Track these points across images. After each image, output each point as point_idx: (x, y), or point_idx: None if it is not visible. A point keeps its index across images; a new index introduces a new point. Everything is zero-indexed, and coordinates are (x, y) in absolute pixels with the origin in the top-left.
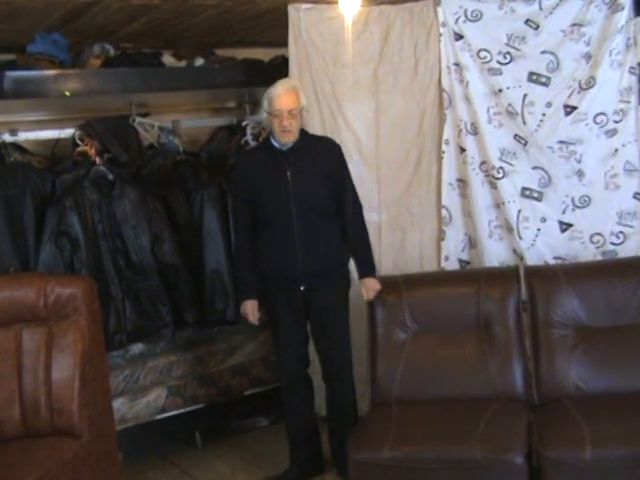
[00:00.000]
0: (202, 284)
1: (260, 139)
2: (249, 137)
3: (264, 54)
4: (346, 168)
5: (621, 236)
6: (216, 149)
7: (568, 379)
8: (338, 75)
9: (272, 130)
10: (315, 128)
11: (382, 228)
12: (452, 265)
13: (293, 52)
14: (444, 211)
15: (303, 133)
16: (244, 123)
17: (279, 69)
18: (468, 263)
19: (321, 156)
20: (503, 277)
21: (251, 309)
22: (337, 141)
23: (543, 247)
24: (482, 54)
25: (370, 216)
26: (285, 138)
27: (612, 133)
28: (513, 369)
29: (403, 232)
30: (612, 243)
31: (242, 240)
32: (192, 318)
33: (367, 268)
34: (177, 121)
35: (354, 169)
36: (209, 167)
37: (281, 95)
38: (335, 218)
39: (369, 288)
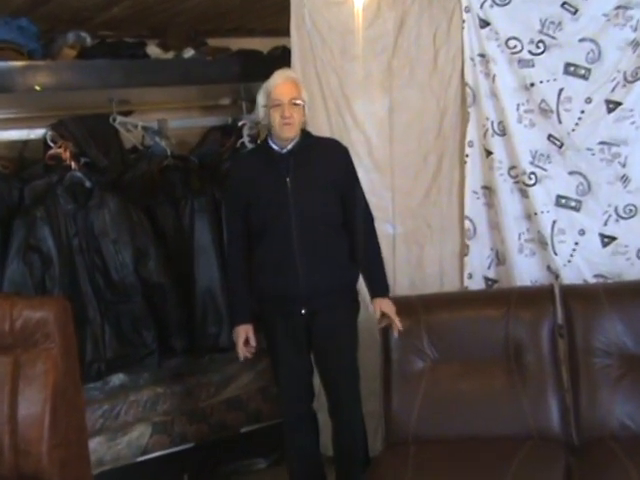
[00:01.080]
0: (192, 306)
1: (258, 141)
2: (246, 139)
3: (263, 44)
4: (355, 174)
5: None
6: (208, 152)
7: (612, 416)
8: (347, 68)
9: (271, 127)
10: (320, 128)
11: (397, 242)
12: (477, 284)
13: (296, 42)
14: (467, 223)
15: (305, 134)
16: (240, 123)
17: (280, 61)
18: (495, 282)
19: (326, 160)
20: (536, 298)
21: (240, 337)
22: (345, 143)
23: (582, 264)
24: (511, 43)
25: (383, 229)
26: (287, 132)
27: None
28: (548, 404)
29: (420, 247)
30: None
31: (234, 255)
32: (181, 345)
33: (380, 287)
34: (164, 120)
35: (364, 175)
36: (200, 173)
37: (280, 84)
38: (342, 231)
39: (385, 310)
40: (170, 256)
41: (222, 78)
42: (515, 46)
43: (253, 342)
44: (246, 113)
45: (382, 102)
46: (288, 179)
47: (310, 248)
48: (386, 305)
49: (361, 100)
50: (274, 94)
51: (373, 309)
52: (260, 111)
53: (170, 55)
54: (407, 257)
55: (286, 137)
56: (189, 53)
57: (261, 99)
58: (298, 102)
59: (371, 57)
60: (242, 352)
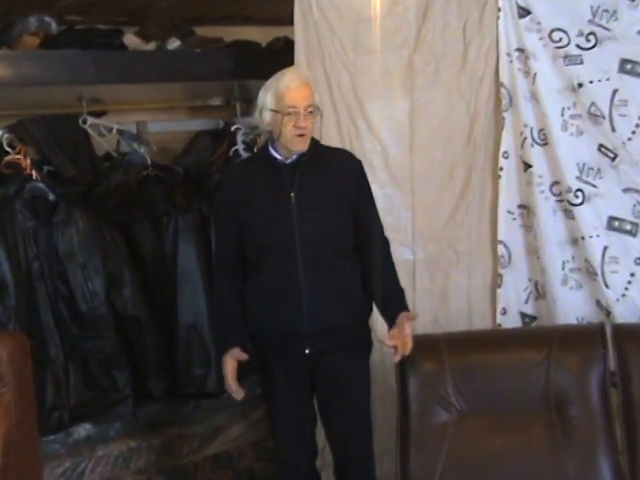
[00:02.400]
0: (175, 343)
1: (255, 149)
2: (240, 146)
3: (261, 35)
4: (370, 191)
5: None
6: (196, 162)
7: None
8: (360, 65)
9: (278, 135)
10: (327, 135)
11: (417, 270)
12: (512, 321)
13: (300, 33)
14: (501, 248)
15: (314, 142)
16: (234, 127)
17: (281, 56)
18: (534, 319)
19: (337, 174)
20: (583, 339)
21: (230, 370)
22: (356, 153)
23: (639, 298)
24: (556, 36)
25: (401, 254)
26: (299, 145)
27: None
28: (598, 467)
29: (445, 276)
30: None
31: (223, 282)
32: (160, 389)
33: (399, 307)
34: (143, 123)
35: (379, 191)
36: (186, 186)
37: (295, 87)
38: (353, 257)
39: (402, 330)
40: (149, 284)
41: (213, 74)
42: (560, 39)
43: (244, 357)
44: (241, 116)
45: (401, 105)
46: (293, 194)
47: (317, 277)
48: (408, 326)
49: (376, 102)
50: (288, 99)
51: (391, 334)
52: (266, 115)
53: (151, 46)
54: (429, 288)
55: (297, 150)
56: (174, 44)
57: (269, 101)
58: (312, 110)
59: (389, 51)
60: (235, 387)
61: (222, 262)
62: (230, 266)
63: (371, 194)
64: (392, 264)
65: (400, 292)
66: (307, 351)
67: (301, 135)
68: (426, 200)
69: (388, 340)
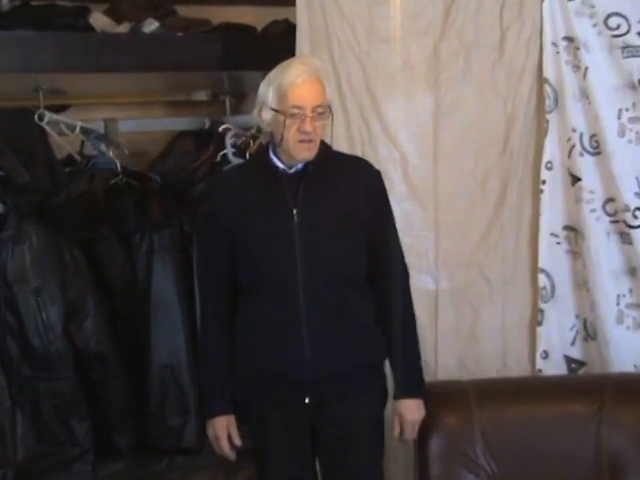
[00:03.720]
0: (146, 387)
1: (248, 154)
2: (229, 151)
3: (256, 16)
4: (389, 210)
5: None
6: (176, 168)
7: None
8: (375, 55)
9: (280, 139)
10: (335, 139)
11: (441, 303)
12: (555, 367)
13: (304, 15)
14: (543, 278)
15: (324, 149)
16: (222, 127)
17: (280, 42)
18: (582, 364)
19: (349, 187)
20: None
21: (224, 430)
22: (369, 161)
23: None
24: (613, 22)
25: (421, 283)
26: (304, 152)
27: None
28: None
29: (475, 311)
30: None
31: (210, 318)
32: (127, 442)
33: (410, 382)
34: (113, 121)
35: (397, 207)
36: (164, 197)
37: (301, 83)
38: (366, 288)
39: (406, 416)
40: (116, 314)
41: (197, 63)
42: (618, 26)
43: (238, 441)
44: (231, 113)
45: (424, 103)
46: (295, 211)
47: (322, 311)
48: (415, 410)
49: (394, 100)
50: (292, 97)
51: (392, 411)
52: (266, 113)
53: (123, 28)
54: (455, 325)
55: (301, 159)
56: (151, 26)
57: (270, 98)
58: (322, 111)
59: (410, 39)
60: (227, 449)
61: (208, 291)
62: (217, 296)
63: (391, 212)
64: (410, 302)
65: (414, 343)
66: (307, 400)
67: (307, 141)
68: (452, 218)
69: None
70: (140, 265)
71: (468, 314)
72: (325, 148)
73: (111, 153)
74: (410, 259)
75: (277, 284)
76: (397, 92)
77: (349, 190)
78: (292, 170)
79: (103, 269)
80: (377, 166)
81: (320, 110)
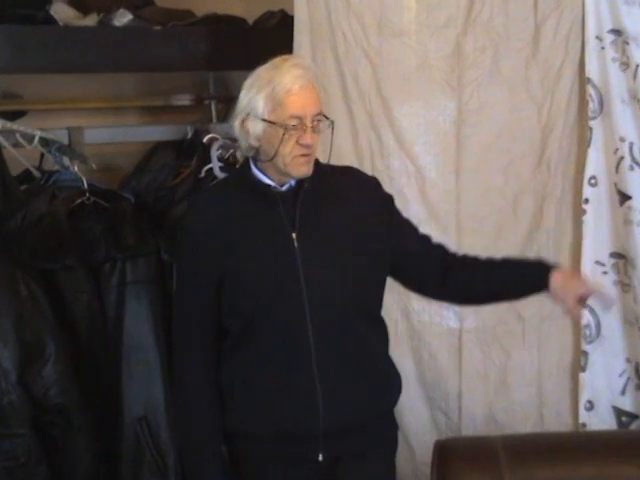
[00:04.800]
0: (117, 445)
1: (238, 167)
2: (215, 164)
3: (247, 7)
4: (399, 212)
5: None
6: (153, 185)
7: None
8: (387, 52)
9: (273, 155)
10: (339, 151)
11: (465, 344)
12: (602, 420)
13: (303, 6)
14: (587, 314)
15: (316, 161)
16: (207, 137)
17: (274, 37)
18: (634, 417)
19: (350, 201)
20: None
21: None
22: (380, 175)
23: None
24: None
25: (442, 320)
26: (303, 168)
27: None
28: None
29: (506, 353)
30: None
31: (192, 371)
32: None
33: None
34: (78, 129)
35: None
36: (138, 219)
37: (299, 90)
38: (380, 317)
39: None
40: (82, 359)
41: (178, 61)
42: None
43: None
44: (217, 121)
45: (445, 109)
46: (295, 235)
47: (336, 354)
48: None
49: (409, 105)
50: (291, 106)
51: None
52: (255, 126)
53: (91, 21)
54: (482, 369)
55: (299, 175)
56: (123, 18)
57: (261, 108)
58: (320, 119)
59: (428, 33)
60: None
61: (188, 337)
62: (200, 343)
63: (401, 214)
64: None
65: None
66: (321, 457)
67: (306, 155)
68: (478, 244)
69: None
70: (110, 301)
71: (497, 357)
72: (317, 161)
73: (76, 168)
74: None
75: (280, 325)
76: (413, 95)
77: (351, 204)
78: (284, 188)
79: (66, 306)
80: (390, 182)
81: (319, 118)
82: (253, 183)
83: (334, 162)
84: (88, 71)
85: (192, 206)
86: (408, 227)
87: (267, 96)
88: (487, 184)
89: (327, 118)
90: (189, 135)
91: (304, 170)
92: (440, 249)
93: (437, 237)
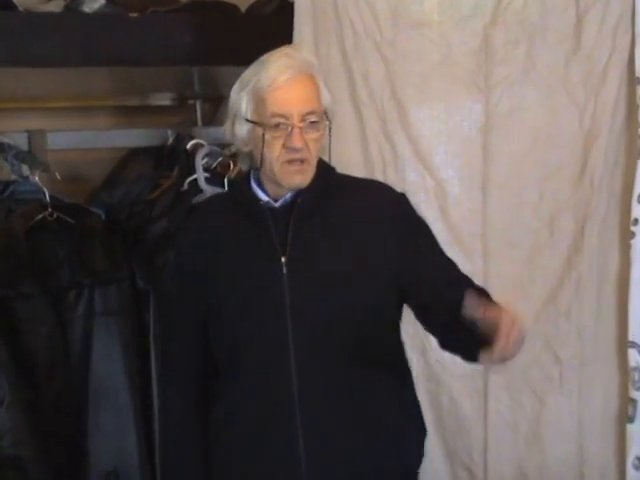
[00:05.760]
0: None
1: (227, 180)
2: (201, 175)
3: None
4: (429, 231)
5: None
6: (127, 199)
7: None
8: (403, 45)
9: (261, 161)
10: (345, 161)
11: (491, 389)
12: None
13: None
14: (635, 355)
15: (323, 170)
16: (191, 143)
17: (271, 27)
18: None
19: (363, 221)
20: None
21: None
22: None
23: None
24: None
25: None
26: (295, 177)
27: None
28: None
29: (539, 400)
30: None
31: (179, 409)
32: None
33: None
34: (40, 133)
35: None
36: (109, 239)
37: (285, 82)
38: (395, 363)
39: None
40: (41, 403)
41: (158, 55)
42: None
43: None
44: (203, 124)
45: (470, 113)
46: (284, 260)
47: (323, 400)
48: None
49: (429, 108)
50: (272, 102)
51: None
52: (240, 127)
53: (56, 6)
54: (511, 419)
55: (292, 186)
56: (94, 3)
57: (244, 105)
58: (316, 119)
59: (451, 24)
60: None
61: (177, 373)
62: (189, 383)
63: (432, 233)
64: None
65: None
66: None
67: (297, 161)
68: (508, 272)
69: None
70: (75, 334)
71: (530, 405)
72: (326, 171)
73: (37, 178)
74: None
75: (261, 362)
76: (433, 97)
77: (363, 226)
78: (279, 204)
79: (23, 340)
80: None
81: (313, 119)
82: (247, 198)
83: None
84: (52, 65)
85: (183, 224)
86: (428, 253)
87: (250, 92)
88: (519, 201)
89: (327, 118)
90: (170, 140)
91: (297, 180)
92: (458, 291)
93: (460, 263)
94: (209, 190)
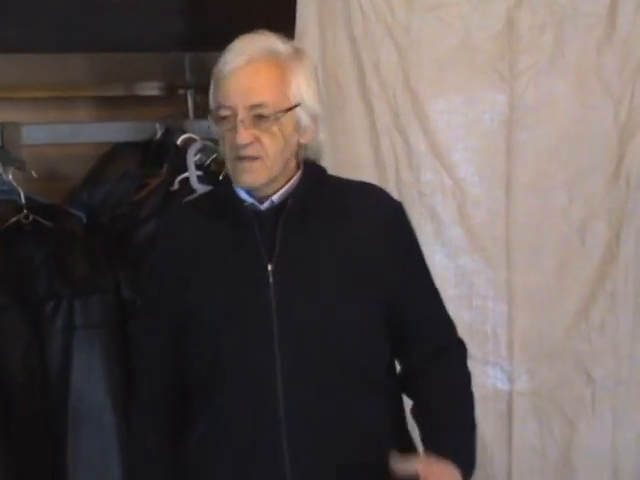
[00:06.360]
0: None
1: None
2: (193, 173)
3: None
4: (419, 257)
5: None
6: (111, 199)
7: None
8: (418, 31)
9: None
10: (353, 160)
11: (517, 411)
12: None
13: None
14: None
15: (311, 173)
16: (182, 138)
17: (271, 9)
18: None
19: (354, 228)
20: None
21: None
22: (408, 193)
23: None
24: None
25: (487, 380)
26: (246, 176)
27: None
28: None
29: (570, 424)
30: None
31: (147, 431)
32: None
33: (455, 450)
34: (13, 126)
35: (448, 262)
36: (91, 244)
37: (230, 71)
38: (387, 383)
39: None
40: (14, 428)
41: (145, 40)
42: None
43: None
44: (195, 116)
45: (493, 104)
46: (271, 268)
47: (313, 425)
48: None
49: (447, 99)
50: (219, 92)
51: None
52: (211, 124)
53: None
54: (539, 444)
55: (243, 185)
56: None
57: (210, 93)
58: (265, 113)
59: (471, 6)
60: None
61: (148, 390)
62: (158, 404)
63: (423, 261)
64: (465, 379)
65: (468, 419)
66: None
67: (247, 158)
68: (534, 282)
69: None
70: (53, 350)
71: (559, 429)
72: (315, 172)
73: (10, 176)
74: (469, 343)
75: (243, 382)
76: (450, 87)
77: (354, 233)
78: (264, 206)
79: None
80: (420, 199)
81: (262, 112)
82: (229, 200)
83: (347, 175)
84: (27, 51)
85: (163, 227)
86: (418, 282)
87: (212, 79)
88: (546, 203)
89: (292, 106)
90: (158, 135)
91: (246, 179)
92: (427, 346)
93: (481, 271)
94: (202, 190)
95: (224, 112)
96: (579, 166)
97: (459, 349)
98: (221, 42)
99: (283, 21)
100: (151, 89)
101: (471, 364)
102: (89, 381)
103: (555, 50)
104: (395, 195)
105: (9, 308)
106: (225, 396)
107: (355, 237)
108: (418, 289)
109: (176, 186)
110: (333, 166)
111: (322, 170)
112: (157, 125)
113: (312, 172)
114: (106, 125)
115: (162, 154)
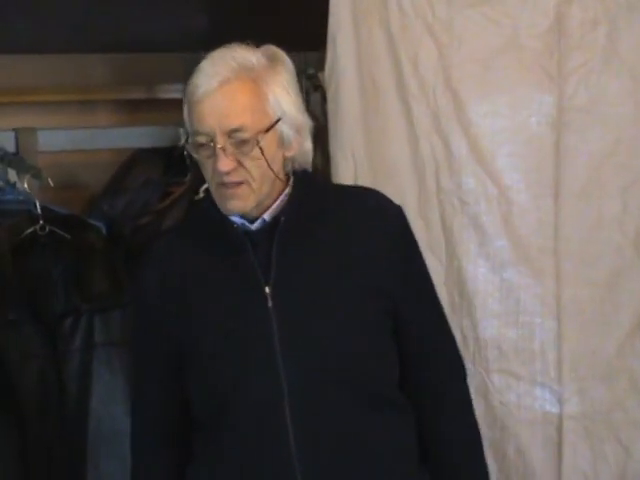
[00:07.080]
0: None
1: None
2: None
3: None
4: (421, 264)
5: None
6: (132, 209)
7: None
8: (460, 28)
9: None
10: (393, 164)
11: (567, 437)
12: None
13: None
14: None
15: (303, 184)
16: None
17: (300, 7)
18: None
19: (354, 239)
20: None
21: None
22: (449, 198)
23: None
24: None
25: (534, 402)
26: (231, 203)
27: None
28: None
29: (625, 451)
30: None
31: (147, 460)
32: None
33: None
34: (29, 132)
35: (492, 275)
36: (111, 257)
37: (202, 95)
38: (400, 403)
39: None
40: (31, 451)
41: (166, 40)
42: None
43: None
44: None
45: (540, 106)
46: (269, 290)
47: (324, 449)
48: None
49: (491, 101)
50: (194, 118)
51: None
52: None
53: None
54: (592, 472)
55: (228, 213)
56: None
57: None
58: (245, 136)
59: (517, 1)
60: None
61: (146, 428)
62: (157, 437)
63: (424, 266)
64: (473, 424)
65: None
66: None
67: (231, 184)
68: (586, 297)
69: None
70: (72, 370)
71: (613, 455)
72: (305, 182)
73: (26, 185)
74: (514, 362)
75: (249, 411)
76: (495, 88)
77: (353, 244)
78: (255, 226)
79: (9, 377)
80: (462, 208)
81: (241, 136)
82: (217, 221)
83: (383, 182)
84: (43, 52)
85: (148, 253)
86: (421, 291)
87: (185, 105)
88: (598, 212)
89: (270, 129)
90: (181, 140)
91: (232, 206)
92: (435, 365)
93: (528, 286)
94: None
95: (201, 139)
96: (634, 172)
97: (462, 388)
98: (245, 42)
99: (314, 19)
100: (174, 92)
101: (517, 385)
102: (109, 403)
103: (608, 47)
104: (435, 203)
105: (22, 324)
106: (232, 424)
107: (355, 248)
108: (420, 294)
109: (201, 195)
110: (367, 172)
111: (313, 178)
112: (181, 130)
113: (302, 183)
114: (126, 130)
115: (186, 160)
